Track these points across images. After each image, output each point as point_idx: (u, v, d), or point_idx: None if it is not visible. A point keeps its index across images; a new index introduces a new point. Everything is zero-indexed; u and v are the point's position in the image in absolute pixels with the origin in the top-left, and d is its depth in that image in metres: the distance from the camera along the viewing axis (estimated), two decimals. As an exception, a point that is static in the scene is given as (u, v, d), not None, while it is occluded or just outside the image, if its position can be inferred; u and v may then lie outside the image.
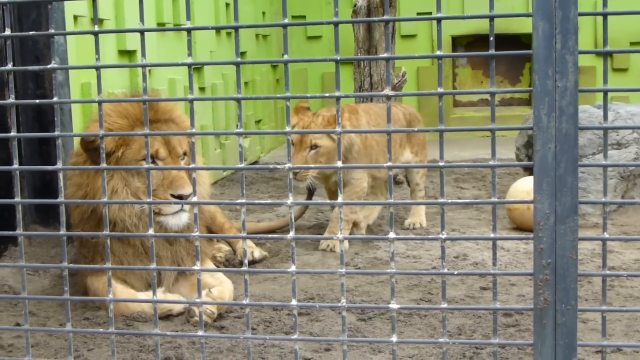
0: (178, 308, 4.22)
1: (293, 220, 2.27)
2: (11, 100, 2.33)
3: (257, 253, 5.32)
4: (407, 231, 6.23)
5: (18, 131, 4.90)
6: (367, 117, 5.88)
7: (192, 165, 2.26)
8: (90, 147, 4.17)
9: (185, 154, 4.36)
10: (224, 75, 9.13)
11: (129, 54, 6.55)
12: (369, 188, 5.92)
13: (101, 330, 2.70)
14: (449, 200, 2.13)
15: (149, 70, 6.76)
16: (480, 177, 8.26)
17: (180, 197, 4.15)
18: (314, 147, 5.41)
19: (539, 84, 2.02)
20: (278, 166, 2.23)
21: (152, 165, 2.39)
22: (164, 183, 4.19)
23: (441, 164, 2.13)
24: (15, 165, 2.34)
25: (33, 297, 2.45)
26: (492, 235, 2.13)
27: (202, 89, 8.30)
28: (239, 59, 2.21)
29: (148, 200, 2.30)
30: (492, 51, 2.09)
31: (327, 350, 3.67)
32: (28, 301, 2.38)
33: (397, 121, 6.13)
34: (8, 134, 2.33)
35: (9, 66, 2.31)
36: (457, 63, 12.84)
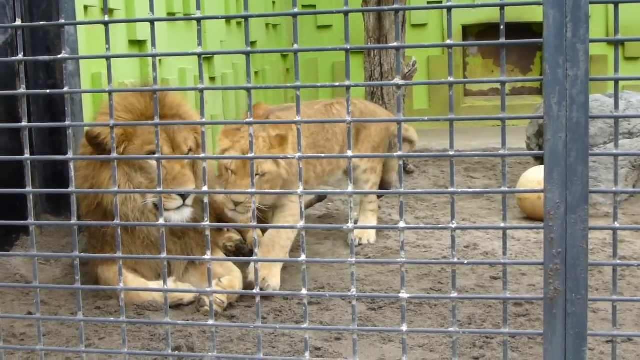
0: (188, 297, 4.23)
1: (303, 210, 2.27)
2: (22, 90, 2.33)
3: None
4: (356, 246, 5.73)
5: (29, 121, 4.91)
6: (295, 141, 5.10)
7: (202, 155, 2.26)
8: (94, 142, 4.16)
9: (190, 150, 4.34)
10: (234, 65, 9.13)
11: (139, 44, 6.55)
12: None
13: (112, 319, 2.71)
14: (459, 190, 2.13)
15: (159, 60, 6.77)
16: (491, 166, 8.24)
17: (182, 194, 4.14)
18: (261, 174, 4.52)
19: (549, 72, 2.01)
20: (288, 156, 2.23)
21: (161, 155, 2.40)
22: (167, 179, 4.17)
23: (451, 153, 2.12)
24: (27, 155, 2.35)
25: (45, 286, 2.47)
26: (502, 224, 2.13)
27: (212, 79, 8.30)
28: (249, 49, 2.21)
29: (158, 189, 2.30)
30: (502, 40, 2.08)
31: (337, 340, 3.68)
32: (40, 290, 2.39)
33: (341, 125, 5.38)
34: (19, 124, 2.34)
35: (20, 56, 2.31)
36: (468, 52, 12.80)
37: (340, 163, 5.41)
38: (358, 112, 5.64)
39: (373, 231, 5.61)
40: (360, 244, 5.46)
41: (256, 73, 10.16)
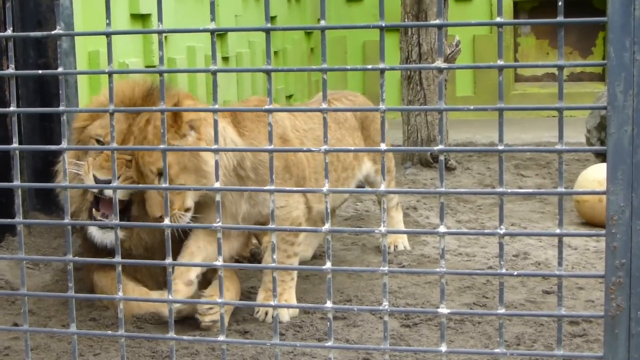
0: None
1: (328, 211, 2.27)
2: (11, 70, 2.35)
3: None
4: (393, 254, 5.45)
5: (18, 105, 4.95)
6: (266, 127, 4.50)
7: (214, 147, 2.27)
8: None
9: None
10: (251, 43, 9.15)
11: (143, 18, 6.58)
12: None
13: (109, 332, 2.73)
14: (509, 190, 2.13)
15: (165, 37, 6.80)
16: (545, 163, 8.22)
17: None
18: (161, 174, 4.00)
19: (614, 56, 2.01)
20: (313, 149, 2.24)
21: (168, 147, 2.41)
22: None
23: (500, 147, 2.12)
24: (15, 145, 2.37)
25: (33, 293, 2.49)
26: (557, 230, 2.13)
27: (225, 59, 8.33)
28: (269, 25, 2.21)
29: (164, 185, 2.32)
30: (560, 18, 2.08)
31: (366, 360, 3.69)
32: (28, 298, 2.41)
33: (343, 122, 5.13)
34: (7, 109, 2.35)
35: (9, 32, 2.33)
36: (520, 31, 12.76)
37: (355, 171, 5.11)
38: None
39: (403, 237, 5.58)
40: (395, 250, 5.45)
41: (275, 53, 10.18)
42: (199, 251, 4.16)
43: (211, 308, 4.09)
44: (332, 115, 4.97)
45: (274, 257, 2.29)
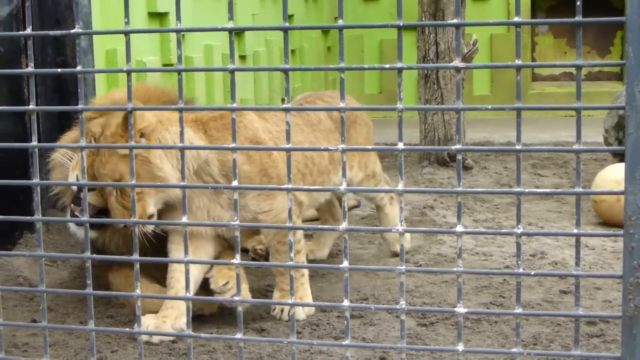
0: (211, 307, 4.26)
1: (346, 210, 2.28)
2: (30, 69, 2.36)
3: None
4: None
5: (37, 104, 4.98)
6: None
7: (232, 145, 2.28)
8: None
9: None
10: (268, 42, 9.16)
11: (160, 16, 6.60)
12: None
13: (127, 329, 2.74)
14: (526, 190, 2.13)
15: (183, 36, 6.81)
16: (562, 163, 8.20)
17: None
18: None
19: (633, 56, 2.00)
20: (330, 148, 2.24)
21: (186, 145, 2.41)
22: None
23: (518, 147, 2.12)
24: (34, 143, 2.38)
25: (52, 290, 2.50)
26: (575, 230, 2.12)
27: (242, 57, 8.34)
28: (287, 24, 2.21)
29: (182, 183, 2.32)
30: (578, 17, 2.07)
31: (382, 359, 3.69)
32: (46, 295, 2.42)
33: (317, 124, 4.84)
34: (27, 107, 2.37)
35: (28, 30, 2.34)
36: (537, 30, 12.73)
37: (331, 176, 4.82)
38: (336, 112, 4.82)
39: (408, 236, 5.38)
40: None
41: (292, 51, 10.19)
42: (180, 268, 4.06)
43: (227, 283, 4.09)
44: (304, 117, 4.76)
45: (291, 255, 2.30)
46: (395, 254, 5.24)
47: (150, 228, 3.95)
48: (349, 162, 4.95)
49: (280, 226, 2.83)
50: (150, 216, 3.97)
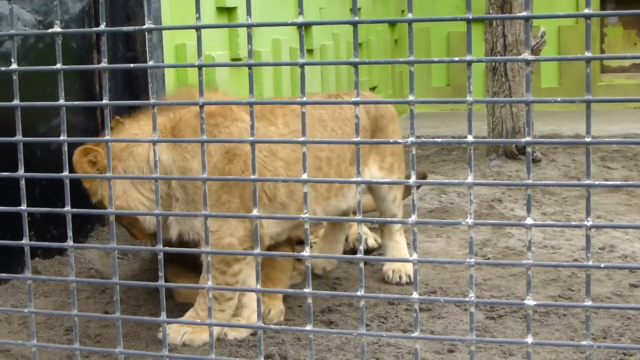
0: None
1: (415, 202, 2.27)
2: (104, 64, 2.39)
3: (372, 240, 5.34)
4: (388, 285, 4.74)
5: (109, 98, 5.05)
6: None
7: (302, 139, 2.28)
8: None
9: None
10: (335, 36, 9.18)
11: (229, 11, 6.64)
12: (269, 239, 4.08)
13: (199, 321, 2.76)
14: (596, 182, 2.11)
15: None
16: (632, 155, 8.09)
17: None
18: None
19: None
20: (399, 141, 2.24)
21: (256, 138, 2.42)
22: None
23: (587, 139, 2.10)
24: (108, 137, 2.41)
25: (125, 282, 2.53)
26: (647, 223, 2.10)
27: (310, 51, 8.36)
28: (356, 18, 2.21)
29: (260, 176, 2.34)
30: (651, 9, 2.04)
31: (451, 352, 3.68)
32: (119, 287, 2.45)
33: (345, 121, 4.37)
34: (100, 102, 2.39)
35: (102, 27, 2.37)
36: (606, 21, 12.57)
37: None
38: (374, 109, 4.64)
39: (410, 266, 4.66)
40: (400, 281, 4.69)
41: (360, 44, 10.18)
42: None
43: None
44: (331, 113, 4.30)
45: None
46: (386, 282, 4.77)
47: None
48: (369, 157, 4.58)
49: (351, 219, 2.79)
50: None
